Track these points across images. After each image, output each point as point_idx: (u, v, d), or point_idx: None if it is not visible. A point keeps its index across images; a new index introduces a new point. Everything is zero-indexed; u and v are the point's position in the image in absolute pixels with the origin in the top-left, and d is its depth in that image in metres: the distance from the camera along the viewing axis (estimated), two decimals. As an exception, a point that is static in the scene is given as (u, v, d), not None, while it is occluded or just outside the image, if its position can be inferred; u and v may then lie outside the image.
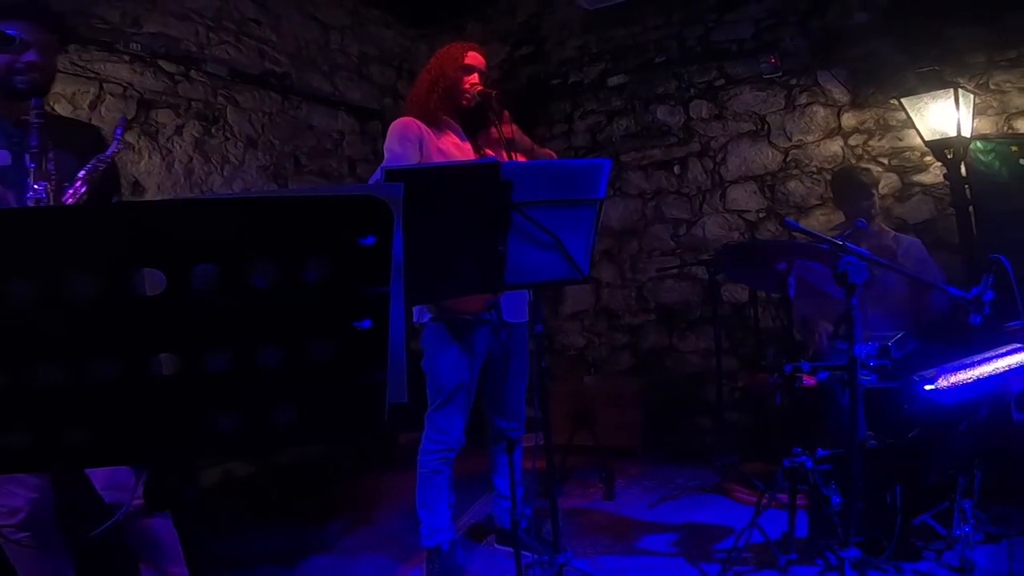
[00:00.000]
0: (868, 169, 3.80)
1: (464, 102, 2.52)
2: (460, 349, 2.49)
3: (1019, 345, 2.24)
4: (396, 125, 2.50)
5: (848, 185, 3.30)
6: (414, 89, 2.60)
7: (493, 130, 2.53)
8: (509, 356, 2.61)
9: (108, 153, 1.87)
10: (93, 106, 3.30)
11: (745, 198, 4.47)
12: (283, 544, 2.97)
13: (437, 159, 2.44)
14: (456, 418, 2.51)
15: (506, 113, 2.47)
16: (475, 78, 2.54)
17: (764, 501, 2.49)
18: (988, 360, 2.30)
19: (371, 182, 2.40)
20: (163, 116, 3.61)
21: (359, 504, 3.52)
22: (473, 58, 2.56)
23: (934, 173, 3.89)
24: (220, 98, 3.90)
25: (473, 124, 2.60)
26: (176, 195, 3.59)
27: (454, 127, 2.59)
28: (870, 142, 4.12)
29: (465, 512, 3.12)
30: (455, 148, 2.55)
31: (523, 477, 2.68)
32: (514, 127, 2.53)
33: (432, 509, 2.52)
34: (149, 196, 3.46)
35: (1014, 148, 3.52)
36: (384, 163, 2.42)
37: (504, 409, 2.65)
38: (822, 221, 4.14)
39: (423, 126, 2.48)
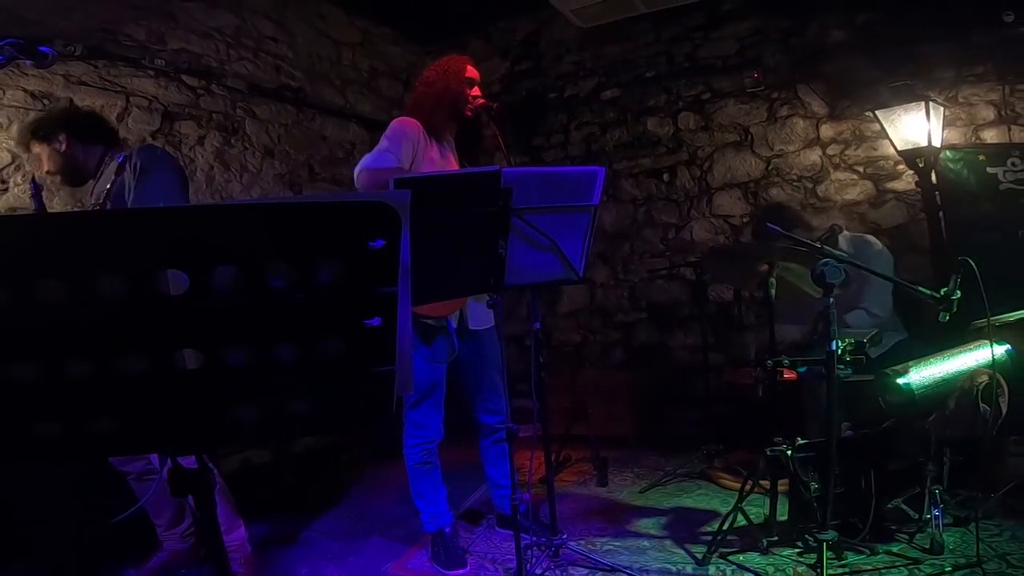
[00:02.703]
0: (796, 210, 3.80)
1: (468, 113, 2.49)
2: (428, 351, 2.47)
3: (985, 341, 2.25)
4: (399, 123, 2.42)
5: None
6: (419, 100, 2.52)
7: (487, 139, 2.53)
8: (483, 358, 2.61)
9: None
10: (120, 118, 3.30)
11: (730, 204, 4.47)
12: (297, 528, 2.97)
13: (427, 167, 2.41)
14: (432, 413, 2.52)
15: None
16: (477, 91, 2.52)
17: (747, 487, 2.49)
18: (956, 356, 2.31)
19: (358, 168, 2.30)
20: (186, 127, 3.61)
21: (368, 491, 3.52)
22: (472, 71, 2.53)
23: (906, 181, 3.90)
24: (239, 110, 3.91)
25: (465, 137, 2.59)
26: (198, 201, 3.59)
27: (449, 139, 2.57)
28: (847, 151, 4.12)
29: (463, 502, 3.11)
30: (441, 158, 2.51)
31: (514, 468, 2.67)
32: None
33: (428, 497, 2.54)
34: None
35: (981, 157, 3.52)
36: (373, 152, 2.33)
37: (488, 406, 2.66)
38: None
39: (423, 132, 2.43)
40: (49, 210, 2.43)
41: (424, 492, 2.54)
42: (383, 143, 2.37)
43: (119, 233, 0.78)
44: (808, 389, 2.68)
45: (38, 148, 2.33)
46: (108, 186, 2.25)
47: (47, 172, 2.36)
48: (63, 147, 2.31)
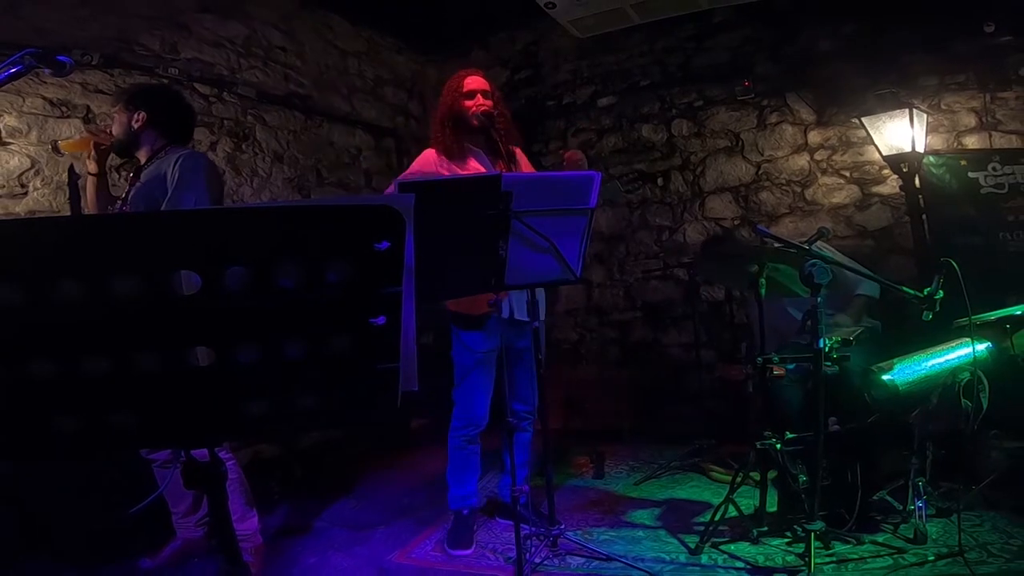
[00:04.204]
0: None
1: (475, 123, 2.47)
2: (478, 344, 2.52)
3: (966, 339, 2.25)
4: (421, 156, 2.56)
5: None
6: (433, 124, 2.60)
7: (500, 145, 2.51)
8: (525, 349, 2.58)
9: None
10: (136, 124, 3.30)
11: (721, 207, 4.47)
12: (306, 518, 2.97)
13: None
14: (478, 402, 2.54)
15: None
16: (479, 100, 2.48)
17: (738, 479, 2.49)
18: (939, 353, 2.31)
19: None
20: (199, 134, 3.61)
21: (375, 482, 3.52)
22: (472, 82, 2.50)
23: (891, 185, 3.90)
24: (249, 117, 3.90)
25: (492, 145, 2.55)
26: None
27: (475, 151, 2.55)
28: (833, 157, 4.12)
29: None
30: (474, 171, 2.51)
31: (531, 458, 2.67)
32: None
33: (459, 478, 2.59)
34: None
35: (963, 162, 3.52)
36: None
37: (520, 394, 2.64)
38: (790, 228, 4.14)
39: (441, 159, 2.50)
40: (81, 199, 2.43)
41: (457, 473, 2.59)
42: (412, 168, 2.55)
43: (135, 235, 0.79)
44: (781, 388, 2.68)
45: (118, 112, 2.37)
46: (138, 184, 2.26)
47: (111, 131, 2.39)
48: (137, 124, 2.34)
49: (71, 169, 2.33)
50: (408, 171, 2.55)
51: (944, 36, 3.71)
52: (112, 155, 2.50)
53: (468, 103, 2.48)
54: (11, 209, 2.84)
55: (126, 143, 2.37)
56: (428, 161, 2.52)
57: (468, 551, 2.50)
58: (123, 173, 3.07)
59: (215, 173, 2.33)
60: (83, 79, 3.09)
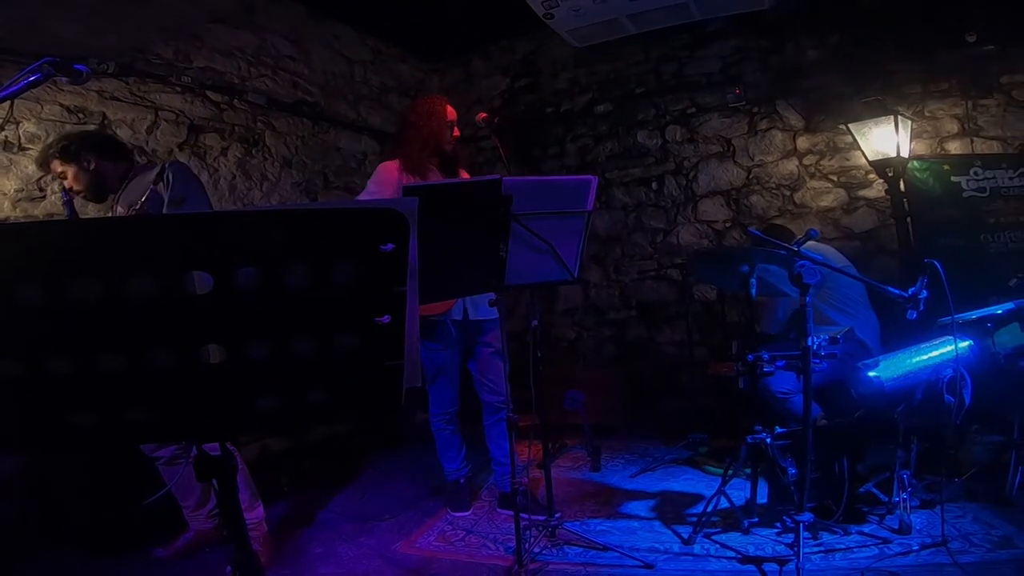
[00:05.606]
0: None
1: (449, 149, 2.65)
2: (434, 342, 2.69)
3: (950, 337, 2.25)
4: (381, 168, 2.64)
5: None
6: (405, 141, 2.65)
7: (488, 151, 2.63)
8: (484, 344, 2.75)
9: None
10: (150, 131, 3.30)
11: (714, 210, 4.47)
12: (313, 510, 2.97)
13: None
14: (445, 390, 2.77)
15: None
16: (455, 131, 2.68)
17: (730, 473, 2.49)
18: (923, 351, 2.31)
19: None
20: (210, 139, 3.61)
21: (380, 475, 3.52)
22: (452, 112, 2.69)
23: (877, 189, 3.90)
24: (259, 124, 3.91)
25: (447, 166, 2.73)
26: (221, 208, 3.59)
27: (432, 169, 2.68)
28: (821, 162, 4.12)
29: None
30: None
31: (514, 447, 2.72)
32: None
33: (448, 455, 2.87)
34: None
35: (946, 167, 3.52)
36: (361, 196, 2.62)
37: (489, 386, 2.77)
38: (780, 230, 4.13)
39: (403, 171, 2.60)
40: (81, 217, 2.43)
41: (445, 451, 2.86)
42: (369, 187, 2.64)
43: (150, 237, 0.79)
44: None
45: (62, 167, 2.33)
46: (143, 198, 2.26)
47: (71, 189, 2.35)
48: (92, 165, 2.32)
49: (66, 190, 2.34)
50: (373, 180, 2.62)
51: (928, 46, 3.72)
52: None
53: (447, 132, 2.65)
54: (30, 212, 2.85)
55: (94, 186, 2.36)
56: (393, 174, 2.59)
57: (467, 512, 2.82)
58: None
59: (197, 177, 2.38)
60: (99, 87, 3.09)
